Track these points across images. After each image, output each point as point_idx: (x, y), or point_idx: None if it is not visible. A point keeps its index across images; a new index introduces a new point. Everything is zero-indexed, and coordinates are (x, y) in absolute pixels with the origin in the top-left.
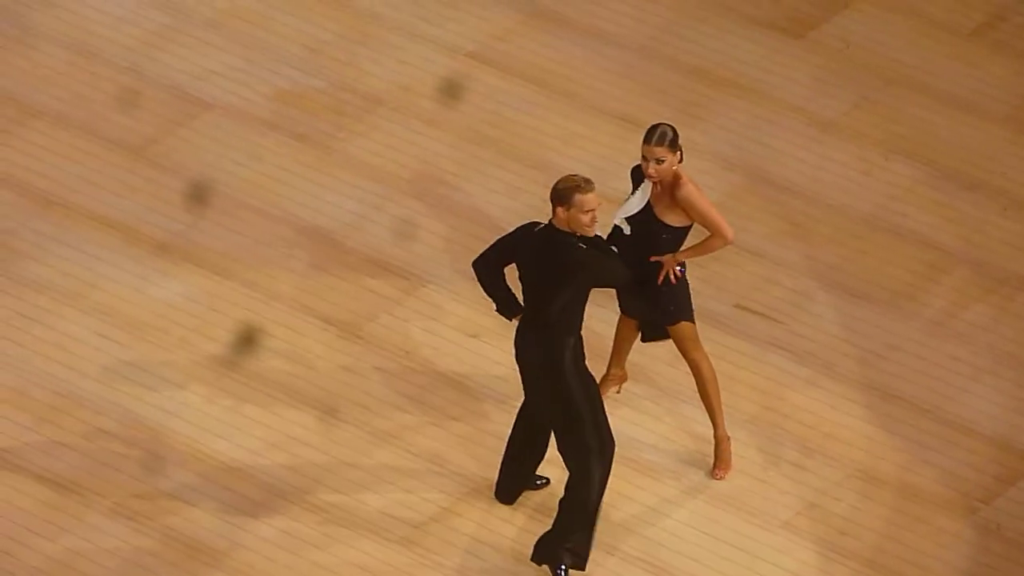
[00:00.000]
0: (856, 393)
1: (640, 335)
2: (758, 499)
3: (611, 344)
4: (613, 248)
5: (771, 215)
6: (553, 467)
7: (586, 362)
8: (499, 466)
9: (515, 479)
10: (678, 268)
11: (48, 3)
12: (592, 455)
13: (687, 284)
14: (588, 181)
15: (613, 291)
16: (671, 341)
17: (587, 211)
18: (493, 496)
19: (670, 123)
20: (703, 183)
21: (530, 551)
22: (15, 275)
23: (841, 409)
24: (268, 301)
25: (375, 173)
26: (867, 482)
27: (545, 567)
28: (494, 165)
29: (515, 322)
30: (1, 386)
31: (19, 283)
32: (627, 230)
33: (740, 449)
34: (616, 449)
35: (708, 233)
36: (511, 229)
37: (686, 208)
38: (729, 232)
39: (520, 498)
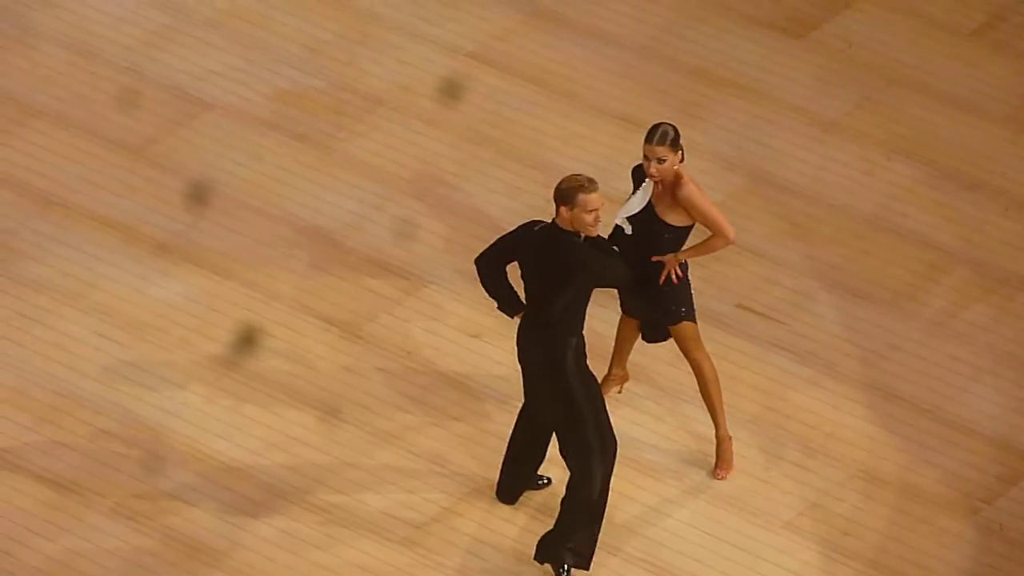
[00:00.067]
0: (858, 393)
1: (642, 336)
2: (760, 499)
3: (612, 344)
4: (615, 248)
5: (772, 215)
6: (555, 467)
7: (587, 362)
8: (500, 466)
9: (516, 480)
10: (679, 268)
11: (48, 3)
12: (594, 455)
13: (689, 284)
14: (592, 181)
15: (614, 291)
16: (672, 341)
17: (591, 211)
18: (494, 496)
19: (671, 123)
20: (704, 183)
21: (531, 551)
22: (15, 275)
23: (843, 409)
24: (268, 301)
25: (375, 173)
26: (869, 482)
27: (548, 567)
28: (494, 165)
29: (516, 321)
30: (1, 386)
31: (19, 283)
32: (628, 230)
33: (742, 449)
34: (618, 449)
35: (709, 233)
36: (512, 228)
37: (687, 208)
38: (731, 232)
39: (521, 498)
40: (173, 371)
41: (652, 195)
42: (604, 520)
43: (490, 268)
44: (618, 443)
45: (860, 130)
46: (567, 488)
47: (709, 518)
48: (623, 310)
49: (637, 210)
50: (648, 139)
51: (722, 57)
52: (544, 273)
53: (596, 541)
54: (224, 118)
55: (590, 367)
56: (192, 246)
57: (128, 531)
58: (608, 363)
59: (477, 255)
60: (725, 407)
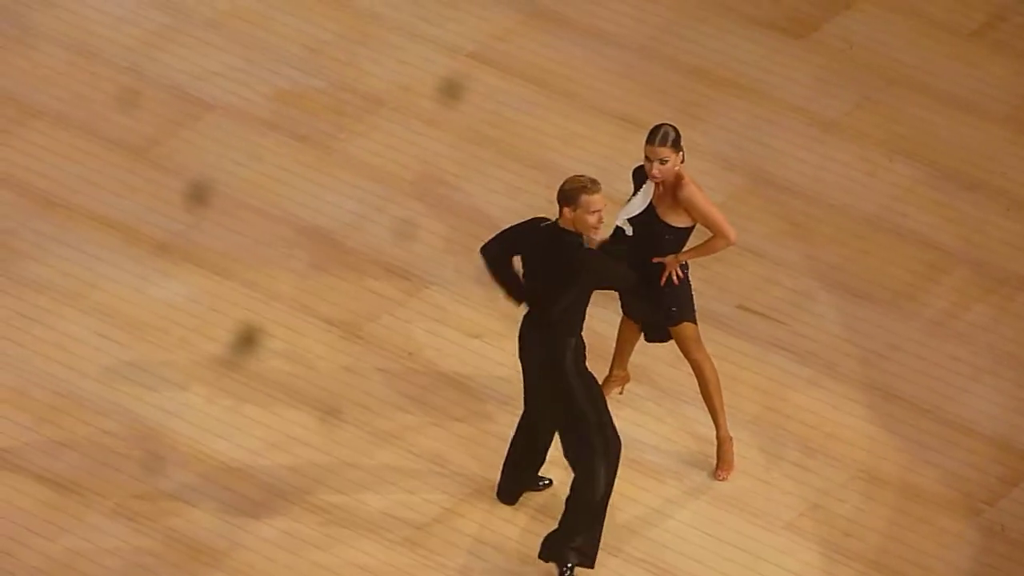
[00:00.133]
0: (858, 393)
1: (644, 335)
2: (761, 500)
3: (613, 345)
4: (620, 248)
5: (772, 215)
6: (556, 468)
7: (586, 363)
8: (501, 468)
9: (516, 482)
10: (679, 269)
11: (49, 3)
12: (597, 455)
13: (689, 285)
14: (595, 182)
15: (615, 292)
16: (673, 342)
17: (593, 212)
18: (495, 496)
19: (671, 123)
20: (704, 184)
21: (532, 551)
22: (15, 275)
23: (843, 409)
24: (269, 301)
25: (375, 173)
26: (870, 483)
27: (550, 567)
28: (494, 165)
29: (517, 322)
30: (1, 386)
31: (19, 283)
32: (629, 231)
33: (743, 450)
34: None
35: (710, 234)
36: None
37: (688, 209)
38: (731, 233)
39: (523, 499)
40: (173, 371)
41: (653, 196)
42: (606, 521)
43: (495, 258)
44: (621, 443)
45: (860, 130)
46: (571, 489)
47: (710, 519)
48: (624, 311)
49: (638, 211)
50: (650, 140)
51: (722, 57)
52: (546, 273)
53: (599, 539)
54: (224, 118)
55: (591, 368)
56: (192, 246)
57: (128, 531)
58: (608, 364)
59: (483, 244)
60: (726, 408)
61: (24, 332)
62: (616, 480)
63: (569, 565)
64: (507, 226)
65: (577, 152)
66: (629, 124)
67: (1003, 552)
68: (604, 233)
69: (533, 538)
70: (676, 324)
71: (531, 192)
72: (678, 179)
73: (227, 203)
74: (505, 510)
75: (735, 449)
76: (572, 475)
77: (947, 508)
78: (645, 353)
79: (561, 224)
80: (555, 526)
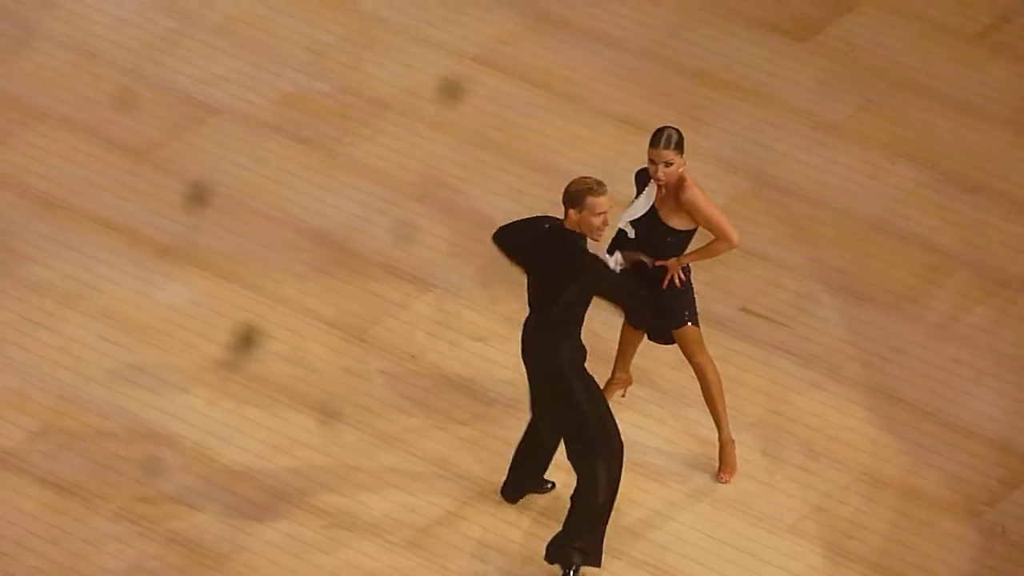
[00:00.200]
0: (860, 396)
1: (648, 335)
2: (764, 503)
3: (615, 347)
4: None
5: (775, 218)
6: (561, 472)
7: (586, 365)
8: (507, 469)
9: (518, 482)
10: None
11: (51, 5)
12: (598, 458)
13: (692, 288)
14: (600, 184)
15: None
16: (676, 344)
17: (599, 214)
18: (498, 494)
19: (674, 126)
20: (707, 186)
21: (535, 554)
22: (18, 278)
23: (846, 412)
24: (272, 304)
25: (379, 176)
26: (872, 485)
27: (554, 569)
28: (498, 168)
29: (520, 324)
30: (4, 389)
31: (22, 286)
32: (631, 234)
33: (745, 452)
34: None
35: (712, 236)
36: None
37: (691, 211)
38: (734, 236)
39: (526, 501)
40: (176, 374)
41: (655, 199)
42: (609, 524)
43: (508, 241)
44: (624, 445)
45: (863, 133)
46: (574, 491)
47: (713, 521)
48: (626, 317)
49: (641, 214)
50: (654, 143)
51: (725, 60)
52: (547, 273)
53: (603, 539)
54: (228, 121)
55: (593, 370)
56: (196, 249)
57: (131, 534)
58: (611, 366)
59: (495, 231)
60: (728, 410)
61: (27, 335)
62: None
63: (573, 567)
64: (518, 219)
65: (579, 155)
66: (631, 127)
67: (1004, 554)
68: (608, 235)
69: (536, 541)
70: (679, 327)
71: (534, 195)
72: (680, 182)
73: (230, 206)
74: (508, 513)
75: (738, 452)
76: (575, 478)
77: (949, 510)
78: (648, 355)
79: (566, 225)
80: (558, 529)
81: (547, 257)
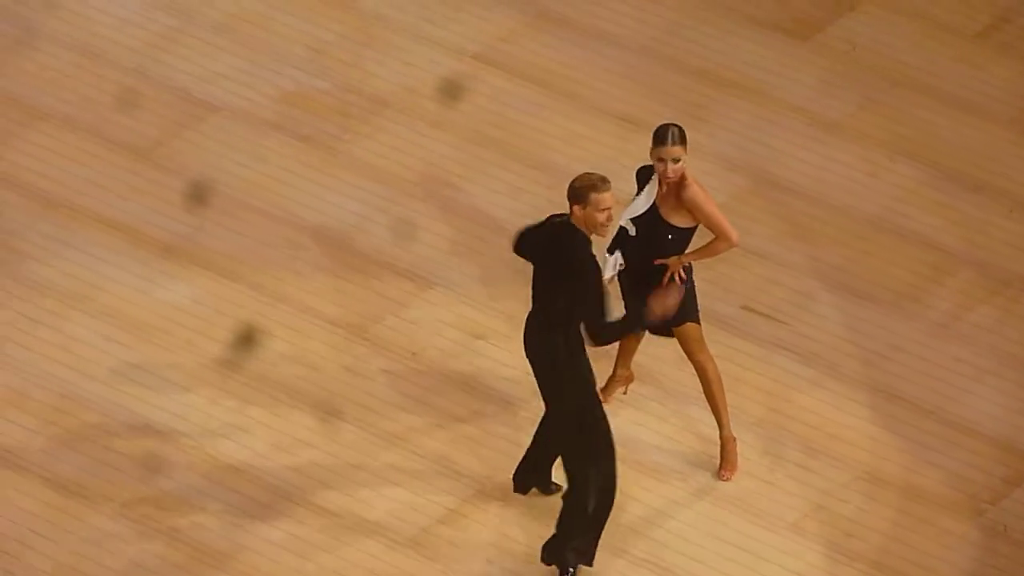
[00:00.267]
0: (860, 394)
1: (648, 329)
2: (764, 501)
3: (616, 345)
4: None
5: (775, 216)
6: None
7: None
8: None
9: (524, 475)
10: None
11: (53, 5)
12: (588, 460)
13: (693, 286)
14: (604, 180)
15: (618, 293)
16: (676, 343)
17: (603, 210)
18: (503, 489)
19: (674, 122)
20: (707, 184)
21: (537, 553)
22: (20, 277)
23: (846, 410)
24: (273, 303)
25: (380, 175)
26: (872, 483)
27: (554, 568)
28: (498, 166)
29: (522, 323)
30: (6, 388)
31: (24, 285)
32: (632, 231)
33: (746, 451)
34: (621, 451)
35: (712, 235)
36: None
37: (692, 209)
38: (734, 235)
39: (530, 500)
40: (178, 373)
41: (656, 197)
42: (610, 522)
43: (521, 242)
44: (622, 445)
45: (863, 131)
46: (564, 492)
47: (713, 519)
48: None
49: (642, 211)
50: (662, 141)
51: (725, 58)
52: (548, 269)
53: (599, 536)
54: (229, 120)
55: (595, 368)
56: (197, 248)
57: (132, 533)
58: (612, 364)
59: (514, 243)
60: (729, 408)
61: (29, 334)
62: (619, 480)
63: (571, 569)
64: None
65: (580, 153)
66: (631, 125)
67: (1006, 552)
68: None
69: (538, 540)
70: (679, 325)
71: (534, 193)
72: (682, 179)
73: (231, 204)
74: (511, 511)
75: (738, 450)
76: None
77: (949, 509)
78: (649, 353)
79: (572, 222)
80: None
81: (548, 253)
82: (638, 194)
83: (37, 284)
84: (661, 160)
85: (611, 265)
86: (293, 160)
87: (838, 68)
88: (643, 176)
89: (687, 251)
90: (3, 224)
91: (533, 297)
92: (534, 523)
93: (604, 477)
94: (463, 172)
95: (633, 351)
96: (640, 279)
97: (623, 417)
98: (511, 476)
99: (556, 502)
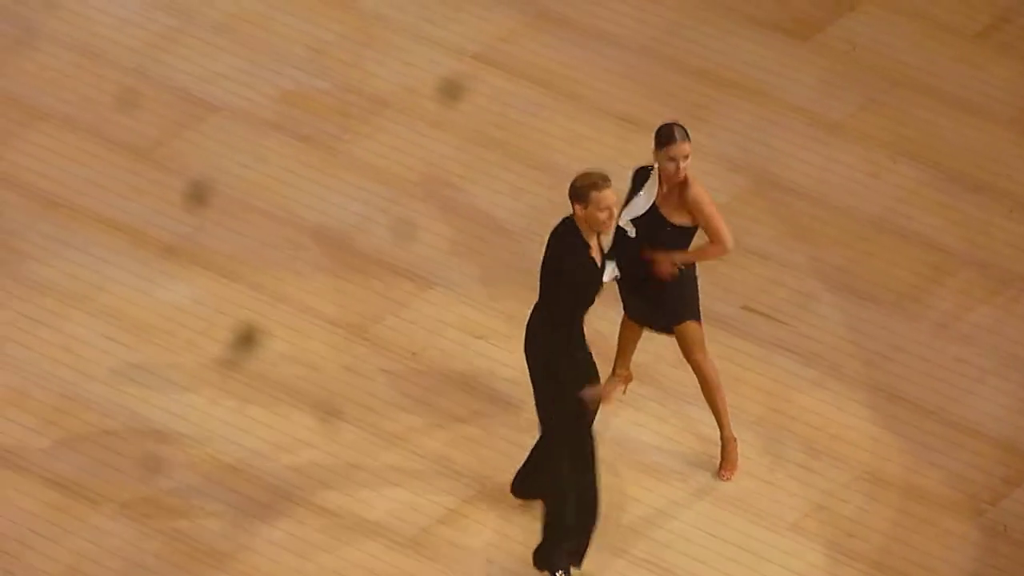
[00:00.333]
0: (862, 394)
1: (650, 325)
2: (765, 501)
3: (615, 345)
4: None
5: (777, 217)
6: None
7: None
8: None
9: (522, 479)
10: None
11: (53, 5)
12: (563, 473)
13: (695, 284)
14: (605, 178)
15: (617, 292)
16: (675, 342)
17: (604, 208)
18: (505, 490)
19: (674, 121)
20: (708, 185)
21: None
22: (21, 277)
23: (847, 410)
24: (274, 303)
25: (380, 175)
26: (874, 484)
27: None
28: (499, 167)
29: (522, 323)
30: (7, 388)
31: (25, 285)
32: (632, 232)
33: (747, 451)
34: (621, 451)
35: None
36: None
37: (693, 209)
38: (729, 242)
39: (530, 504)
40: (179, 373)
41: (657, 197)
42: (610, 522)
43: None
44: (621, 445)
45: (865, 132)
46: (545, 496)
47: (714, 520)
48: (626, 312)
49: (642, 212)
50: (672, 140)
51: (726, 58)
52: (547, 268)
53: (588, 541)
54: (229, 120)
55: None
56: (198, 248)
57: (133, 533)
58: (611, 364)
59: None
60: (730, 408)
61: (30, 334)
62: (620, 480)
63: (559, 572)
64: None
65: (581, 153)
66: (632, 125)
67: (1006, 553)
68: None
69: (538, 540)
70: (679, 323)
71: (535, 193)
72: (684, 179)
73: (232, 204)
74: (511, 512)
75: (739, 450)
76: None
77: (951, 509)
78: (648, 352)
79: (574, 222)
80: None
81: (548, 251)
82: (634, 195)
83: (37, 284)
84: (672, 159)
85: (608, 271)
86: (293, 160)
87: (838, 68)
88: (640, 177)
89: (690, 255)
90: (3, 224)
91: (539, 292)
92: (534, 523)
93: (581, 482)
94: (463, 172)
95: (631, 351)
96: (640, 280)
97: (623, 417)
98: (511, 481)
99: None
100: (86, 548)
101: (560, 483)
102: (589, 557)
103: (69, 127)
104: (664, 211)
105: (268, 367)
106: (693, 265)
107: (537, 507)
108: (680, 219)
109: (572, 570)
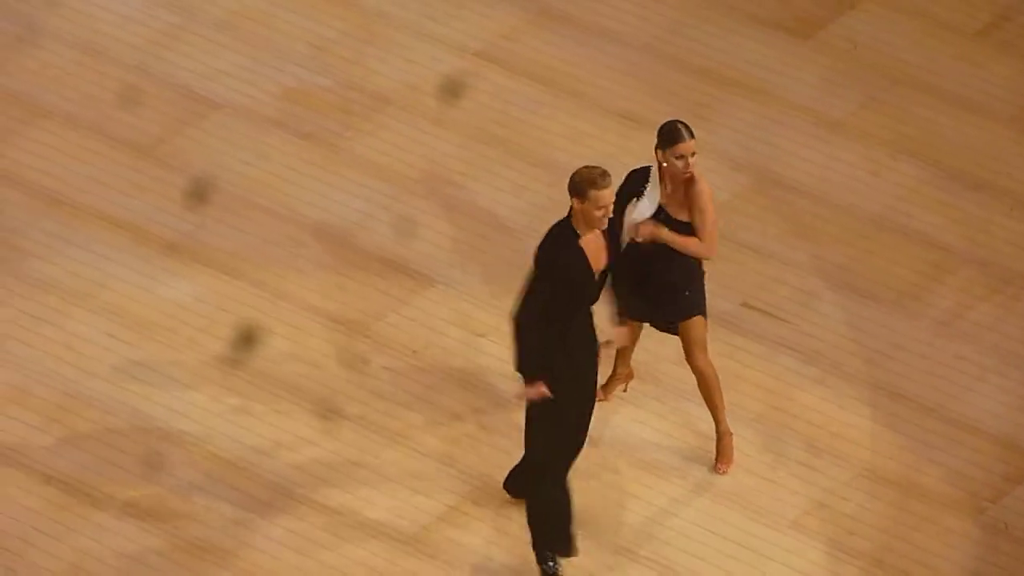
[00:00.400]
0: (863, 392)
1: (651, 323)
2: (766, 498)
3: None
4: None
5: (778, 215)
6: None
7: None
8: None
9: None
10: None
11: (55, 3)
12: (538, 472)
13: (703, 281)
14: (605, 175)
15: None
16: (677, 340)
17: (601, 207)
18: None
19: (676, 118)
20: (710, 183)
21: None
22: (23, 275)
23: (848, 408)
24: (276, 300)
25: (382, 172)
26: (874, 481)
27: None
28: (501, 164)
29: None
30: (9, 386)
31: (27, 283)
32: (640, 238)
33: (748, 448)
34: (622, 448)
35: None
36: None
37: (692, 203)
38: (714, 248)
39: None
40: (181, 371)
41: (662, 197)
42: (611, 519)
43: None
44: (622, 443)
45: (866, 130)
46: (527, 493)
47: (715, 517)
48: (627, 314)
49: (648, 215)
50: (680, 137)
51: (728, 57)
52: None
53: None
54: (231, 117)
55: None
56: (200, 246)
57: (135, 531)
58: (611, 362)
59: None
60: (730, 406)
61: (32, 332)
62: (620, 477)
63: (550, 563)
64: None
65: (583, 151)
66: (634, 123)
67: (1007, 550)
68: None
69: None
70: (686, 318)
71: (536, 190)
72: (691, 175)
73: (233, 202)
74: (512, 509)
75: (741, 447)
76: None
77: (951, 507)
78: (648, 350)
79: (570, 216)
80: None
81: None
82: (630, 197)
83: (39, 282)
84: (680, 157)
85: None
86: (295, 157)
87: (839, 67)
88: (636, 179)
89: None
90: (5, 222)
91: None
92: None
93: (554, 480)
94: (465, 170)
95: (632, 349)
96: (640, 280)
97: (623, 415)
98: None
99: None
100: (88, 546)
101: (533, 476)
102: (589, 555)
103: (71, 124)
104: (670, 209)
105: (269, 364)
106: (699, 262)
107: None
108: (687, 216)
109: (563, 560)
